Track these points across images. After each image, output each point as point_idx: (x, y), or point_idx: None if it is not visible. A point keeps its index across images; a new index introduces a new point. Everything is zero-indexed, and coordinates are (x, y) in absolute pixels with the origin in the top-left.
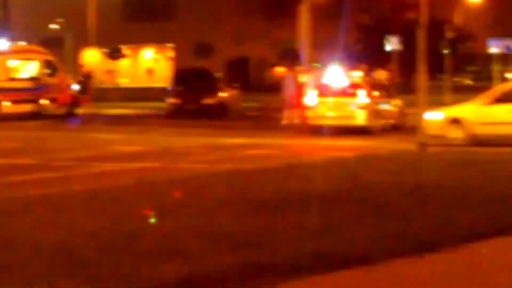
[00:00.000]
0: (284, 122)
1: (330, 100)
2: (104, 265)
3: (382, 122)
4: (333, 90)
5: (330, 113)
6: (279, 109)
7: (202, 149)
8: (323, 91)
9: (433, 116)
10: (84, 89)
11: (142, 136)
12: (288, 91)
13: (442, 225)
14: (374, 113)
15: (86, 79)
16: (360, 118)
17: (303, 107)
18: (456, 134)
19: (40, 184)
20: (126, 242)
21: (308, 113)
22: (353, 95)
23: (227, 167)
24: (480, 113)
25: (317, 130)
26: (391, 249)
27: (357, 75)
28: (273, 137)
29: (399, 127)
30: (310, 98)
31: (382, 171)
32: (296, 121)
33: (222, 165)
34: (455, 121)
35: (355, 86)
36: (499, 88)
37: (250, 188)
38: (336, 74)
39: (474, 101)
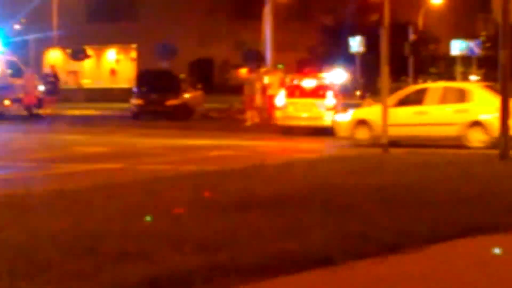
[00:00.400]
0: (248, 123)
1: (298, 101)
2: (66, 267)
3: None
4: (302, 91)
5: (299, 114)
6: (242, 110)
7: (166, 150)
8: (292, 92)
9: (342, 118)
10: (53, 89)
11: (105, 137)
12: (250, 92)
13: (405, 226)
14: None
15: (55, 79)
16: (328, 119)
17: (266, 108)
18: (363, 135)
19: (2, 185)
20: (89, 244)
21: (277, 114)
22: (322, 96)
23: (191, 168)
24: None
25: (286, 131)
26: (355, 250)
27: (330, 76)
28: (237, 139)
29: None
30: (279, 98)
31: (345, 173)
32: (257, 120)
33: (186, 167)
34: (362, 123)
35: (323, 87)
36: (403, 91)
37: (214, 189)
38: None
39: (380, 103)
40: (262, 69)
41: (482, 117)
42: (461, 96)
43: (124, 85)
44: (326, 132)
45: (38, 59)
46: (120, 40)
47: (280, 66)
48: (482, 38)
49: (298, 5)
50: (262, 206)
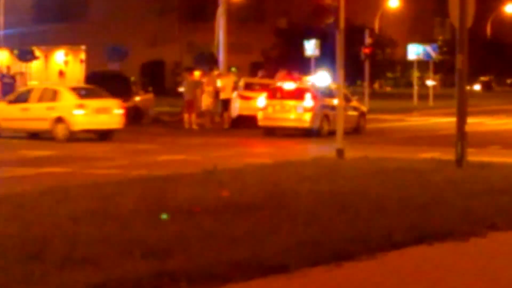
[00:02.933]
0: (186, 126)
1: (279, 102)
2: (11, 273)
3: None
4: (282, 93)
5: (279, 115)
6: (180, 114)
7: (115, 154)
8: (273, 94)
9: None
10: (11, 91)
11: (53, 140)
12: (190, 95)
13: (360, 233)
14: (322, 116)
15: (13, 80)
16: (306, 120)
17: (219, 112)
18: None
19: None
20: (36, 249)
21: (258, 115)
22: (301, 98)
23: (141, 173)
24: (3, 111)
25: (268, 132)
26: (309, 257)
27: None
28: (188, 142)
29: (361, 131)
30: (260, 100)
31: (299, 178)
32: (195, 126)
33: (135, 171)
34: None
35: (303, 89)
36: (18, 90)
37: (164, 194)
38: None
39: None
40: (215, 72)
41: (64, 114)
42: (53, 96)
43: None
44: (308, 133)
45: None
46: (69, 41)
47: (233, 69)
48: (438, 43)
49: (252, 7)
50: (214, 212)
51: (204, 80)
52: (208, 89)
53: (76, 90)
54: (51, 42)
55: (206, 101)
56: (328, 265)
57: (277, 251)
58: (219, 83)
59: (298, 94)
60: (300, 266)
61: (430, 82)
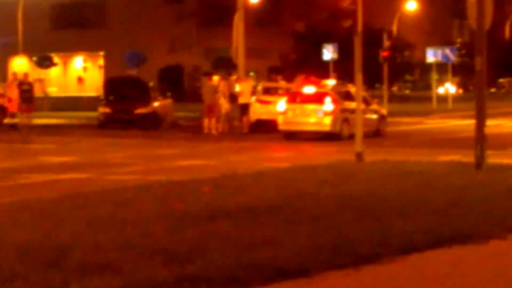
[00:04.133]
0: (205, 131)
1: (299, 106)
2: (32, 280)
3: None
4: (302, 97)
5: (299, 119)
6: (200, 119)
7: (134, 160)
8: (293, 98)
9: None
10: (30, 98)
11: (72, 146)
12: (210, 100)
13: (379, 237)
14: (343, 119)
15: (31, 87)
16: (327, 124)
17: (237, 117)
18: None
19: None
20: (56, 256)
21: (278, 119)
22: (321, 102)
23: (160, 178)
24: None
25: (288, 136)
26: (328, 261)
27: (330, 83)
28: (207, 147)
29: (381, 135)
30: (280, 104)
31: (318, 182)
32: (217, 130)
33: (154, 176)
34: None
35: (323, 93)
36: None
37: (183, 199)
38: None
39: None
40: (233, 77)
41: None
42: None
43: (91, 93)
44: (328, 137)
45: (2, 67)
46: (87, 47)
47: (251, 73)
48: (457, 45)
49: (270, 12)
50: (233, 216)
51: (222, 84)
52: (225, 93)
53: None
54: (70, 48)
55: (224, 106)
56: (348, 269)
57: (296, 255)
58: (237, 87)
59: (318, 98)
60: (320, 269)
61: (448, 85)
